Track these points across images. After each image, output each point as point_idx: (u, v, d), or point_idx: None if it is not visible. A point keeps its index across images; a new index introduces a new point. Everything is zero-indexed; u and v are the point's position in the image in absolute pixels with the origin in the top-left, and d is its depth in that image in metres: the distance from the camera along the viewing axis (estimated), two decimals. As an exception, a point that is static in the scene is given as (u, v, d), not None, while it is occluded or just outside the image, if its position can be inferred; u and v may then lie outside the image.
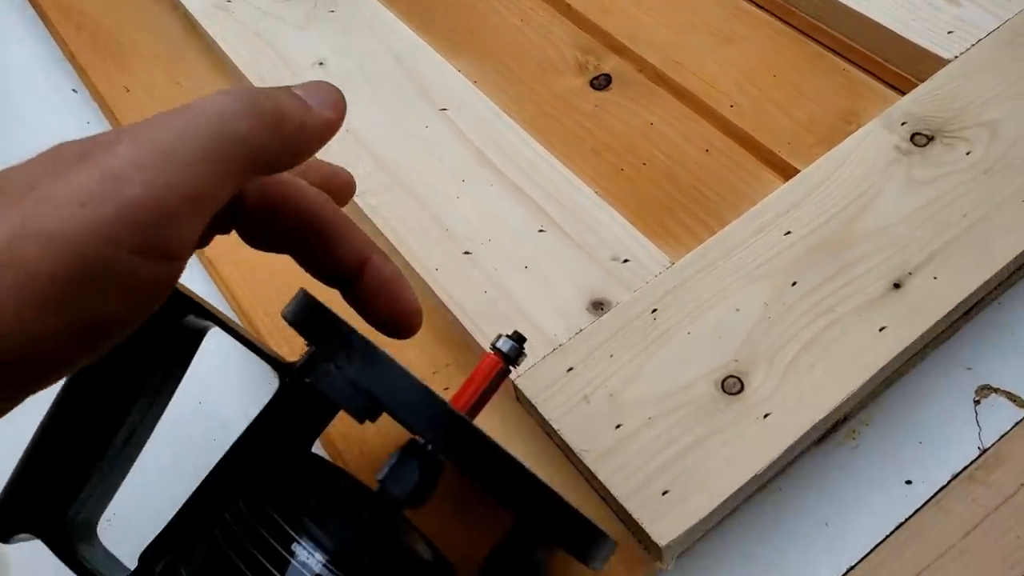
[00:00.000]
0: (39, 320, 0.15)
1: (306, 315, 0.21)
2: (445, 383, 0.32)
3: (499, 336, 0.24)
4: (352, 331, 0.20)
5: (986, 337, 0.31)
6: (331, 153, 0.37)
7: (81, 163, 0.16)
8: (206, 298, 0.24)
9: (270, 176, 0.21)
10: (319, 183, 0.23)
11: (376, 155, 0.37)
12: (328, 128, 0.20)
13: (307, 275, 0.23)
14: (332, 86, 0.20)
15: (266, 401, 0.21)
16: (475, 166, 0.36)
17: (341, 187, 0.24)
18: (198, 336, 0.25)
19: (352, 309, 0.23)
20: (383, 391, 0.19)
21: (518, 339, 0.24)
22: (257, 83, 0.41)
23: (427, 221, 0.34)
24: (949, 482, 0.28)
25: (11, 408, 0.17)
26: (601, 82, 0.40)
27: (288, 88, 0.19)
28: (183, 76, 0.45)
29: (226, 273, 0.36)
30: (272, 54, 0.42)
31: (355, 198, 0.35)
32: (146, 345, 0.24)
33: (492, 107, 0.38)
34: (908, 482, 0.28)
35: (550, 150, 0.37)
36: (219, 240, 0.23)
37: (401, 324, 0.23)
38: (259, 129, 0.18)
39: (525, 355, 0.24)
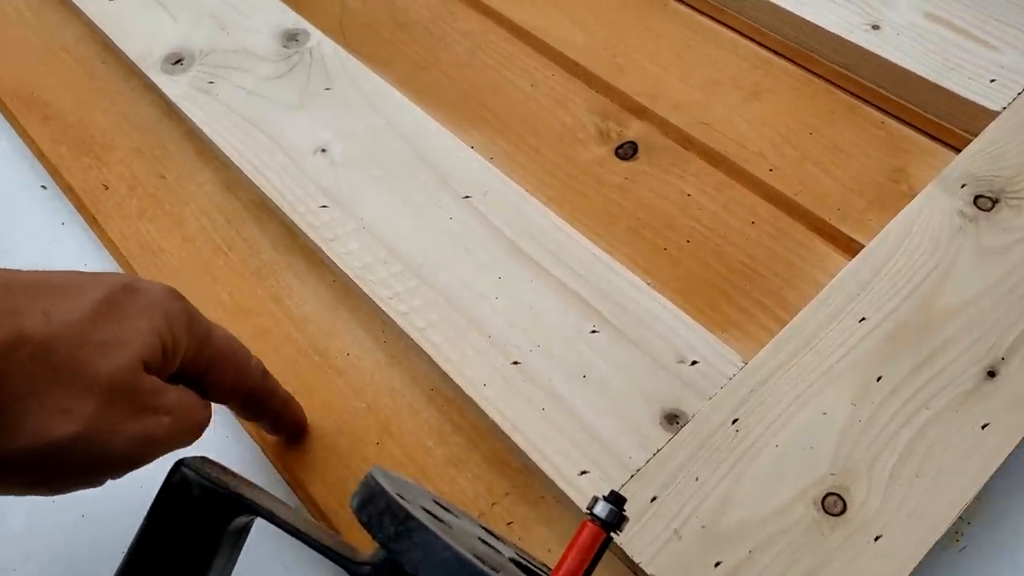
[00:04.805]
0: None
1: (378, 513, 0.18)
2: (507, 516, 0.29)
3: (595, 500, 0.21)
4: (437, 539, 0.17)
5: (1078, 413, 0.29)
6: (351, 254, 0.34)
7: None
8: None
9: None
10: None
11: (399, 253, 0.34)
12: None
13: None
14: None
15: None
16: (509, 259, 0.33)
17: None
18: (246, 529, 0.21)
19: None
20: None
21: (616, 500, 0.21)
22: (251, 173, 0.38)
23: (465, 327, 0.31)
24: (1067, 584, 0.26)
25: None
26: (627, 151, 0.38)
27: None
28: (168, 168, 0.41)
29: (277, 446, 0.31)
30: (265, 140, 0.39)
31: (382, 304, 0.32)
32: (195, 549, 0.20)
33: (516, 189, 0.36)
34: (1023, 586, 0.26)
35: (584, 232, 0.34)
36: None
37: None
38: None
39: (627, 518, 0.21)
